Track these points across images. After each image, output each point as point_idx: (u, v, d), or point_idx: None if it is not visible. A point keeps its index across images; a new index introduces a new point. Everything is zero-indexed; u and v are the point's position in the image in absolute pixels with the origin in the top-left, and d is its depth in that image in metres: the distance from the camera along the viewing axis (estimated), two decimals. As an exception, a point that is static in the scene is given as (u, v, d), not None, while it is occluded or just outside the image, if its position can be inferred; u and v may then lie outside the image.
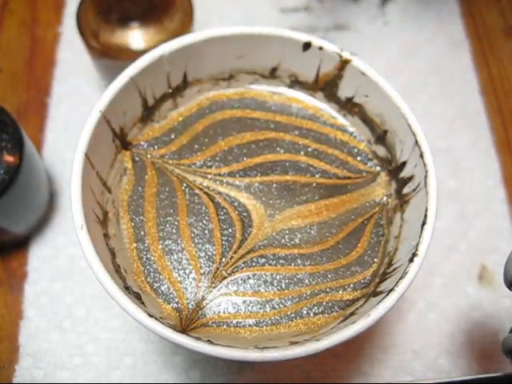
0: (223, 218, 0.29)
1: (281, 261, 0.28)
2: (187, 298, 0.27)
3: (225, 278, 0.28)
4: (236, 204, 0.30)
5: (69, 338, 0.35)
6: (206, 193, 0.30)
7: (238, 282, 0.28)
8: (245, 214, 0.29)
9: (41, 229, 0.39)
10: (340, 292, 0.28)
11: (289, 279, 0.28)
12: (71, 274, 0.37)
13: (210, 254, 0.28)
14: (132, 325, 0.36)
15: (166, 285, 0.28)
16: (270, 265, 0.28)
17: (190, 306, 0.27)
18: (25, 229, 0.37)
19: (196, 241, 0.29)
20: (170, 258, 0.28)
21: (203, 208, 0.29)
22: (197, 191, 0.30)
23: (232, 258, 0.28)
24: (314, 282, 0.28)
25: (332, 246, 0.29)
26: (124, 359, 0.35)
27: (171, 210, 0.29)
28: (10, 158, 0.32)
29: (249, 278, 0.28)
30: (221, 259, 0.28)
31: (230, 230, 0.29)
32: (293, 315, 0.27)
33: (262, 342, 0.26)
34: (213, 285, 0.28)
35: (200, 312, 0.27)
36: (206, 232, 0.29)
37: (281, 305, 0.27)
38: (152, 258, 0.28)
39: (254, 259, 0.28)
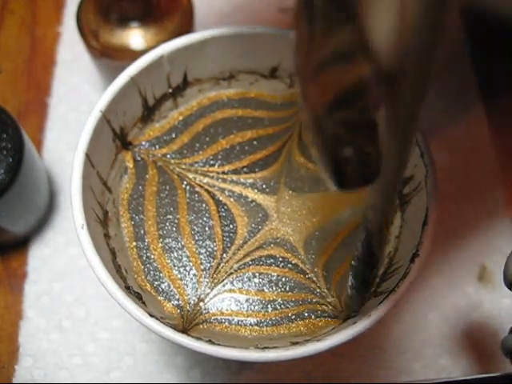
0: (224, 214, 0.29)
1: (289, 265, 0.28)
2: (188, 294, 0.27)
3: (230, 274, 0.28)
4: (243, 201, 0.30)
5: (69, 338, 0.35)
6: (206, 190, 0.30)
7: (243, 280, 0.28)
8: (256, 208, 0.30)
9: (41, 229, 0.38)
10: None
11: (294, 283, 0.28)
12: (71, 274, 0.37)
13: (210, 250, 0.28)
14: (132, 325, 0.36)
15: (166, 283, 0.28)
16: (278, 266, 0.28)
17: (192, 302, 0.27)
18: (24, 229, 0.37)
19: (196, 238, 0.29)
20: (170, 255, 0.28)
21: (203, 205, 0.30)
22: (197, 189, 0.30)
23: (235, 254, 0.28)
24: (318, 291, 0.28)
25: (332, 253, 0.29)
26: (124, 359, 0.35)
27: (171, 208, 0.29)
28: (9, 158, 0.32)
29: (254, 276, 0.28)
30: (222, 255, 0.28)
31: (232, 226, 0.29)
32: (294, 317, 0.27)
33: (262, 341, 0.26)
34: (215, 280, 0.28)
35: (203, 306, 0.27)
36: (207, 229, 0.29)
37: (283, 306, 0.27)
38: (152, 256, 0.28)
39: (263, 258, 0.28)
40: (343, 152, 0.15)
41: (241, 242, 0.29)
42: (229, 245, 0.29)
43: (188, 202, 0.30)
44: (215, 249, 0.29)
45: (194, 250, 0.29)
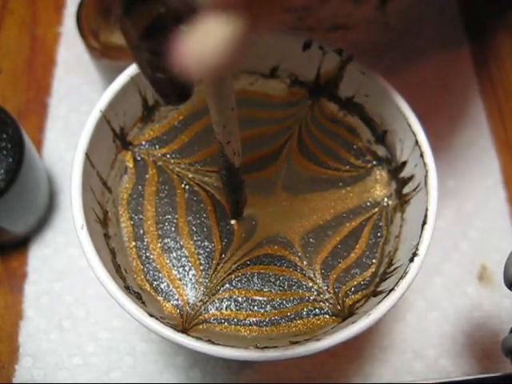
0: (221, 214, 0.29)
1: (286, 263, 0.28)
2: (187, 295, 0.27)
3: (229, 274, 0.28)
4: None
5: (69, 338, 0.35)
6: (204, 190, 0.30)
7: (242, 280, 0.28)
8: (254, 208, 0.29)
9: (41, 229, 0.38)
10: (343, 298, 0.28)
11: (292, 281, 0.28)
12: (71, 274, 0.37)
13: (209, 250, 0.28)
14: (132, 325, 0.36)
15: (165, 283, 0.28)
16: (275, 265, 0.28)
17: (191, 302, 0.27)
18: (24, 229, 0.37)
19: (195, 238, 0.29)
20: (169, 255, 0.28)
21: (202, 205, 0.29)
22: (196, 188, 0.30)
23: (234, 254, 0.28)
24: (316, 288, 0.28)
25: (330, 251, 0.29)
26: (124, 359, 0.35)
27: (170, 208, 0.29)
28: (9, 158, 0.32)
29: (253, 276, 0.28)
30: (221, 255, 0.28)
31: (229, 227, 0.29)
32: (292, 316, 0.27)
33: (262, 341, 0.26)
34: (214, 280, 0.28)
35: (202, 307, 0.27)
36: (205, 229, 0.29)
37: (281, 305, 0.27)
38: (151, 256, 0.28)
39: (261, 257, 0.28)
40: (157, 76, 0.18)
41: (239, 242, 0.29)
42: (227, 245, 0.29)
43: (187, 202, 0.30)
44: (213, 249, 0.29)
45: (193, 250, 0.29)
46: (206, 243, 0.29)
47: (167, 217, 0.29)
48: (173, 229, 0.29)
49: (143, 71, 0.19)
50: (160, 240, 0.29)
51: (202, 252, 0.28)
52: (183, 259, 0.28)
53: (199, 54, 0.14)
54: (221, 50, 0.14)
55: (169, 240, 0.29)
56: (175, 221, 0.29)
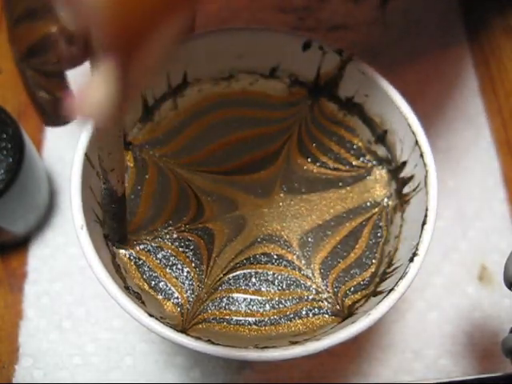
0: (201, 215, 0.29)
1: (284, 262, 0.28)
2: (186, 292, 0.28)
3: (226, 273, 0.28)
4: (230, 204, 0.30)
5: (69, 337, 0.35)
6: (193, 192, 0.30)
7: (240, 279, 0.28)
8: (237, 212, 0.29)
9: (41, 229, 0.38)
10: (342, 298, 0.28)
11: (290, 280, 0.28)
12: (71, 274, 0.37)
13: (193, 247, 0.28)
14: (132, 325, 0.36)
15: (162, 282, 0.28)
16: (273, 264, 0.28)
17: (191, 299, 0.27)
18: (24, 229, 0.37)
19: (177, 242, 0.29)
20: (156, 256, 0.28)
21: (187, 208, 0.29)
22: (188, 191, 0.30)
23: (222, 251, 0.28)
24: (314, 287, 0.28)
25: (330, 251, 0.29)
26: (124, 359, 0.35)
27: (161, 211, 0.29)
28: (9, 158, 0.32)
29: (251, 275, 0.28)
30: (209, 254, 0.28)
31: (209, 226, 0.29)
32: (292, 315, 0.27)
33: (261, 341, 0.26)
34: (211, 277, 0.28)
35: (201, 306, 0.27)
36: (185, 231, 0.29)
37: (280, 305, 0.27)
38: (141, 257, 0.28)
39: (257, 256, 0.28)
40: (39, 94, 0.18)
41: (223, 239, 0.29)
42: (210, 242, 0.29)
43: (176, 204, 0.30)
44: (198, 246, 0.28)
45: (176, 249, 0.28)
46: (187, 242, 0.29)
47: (154, 219, 0.29)
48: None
49: (25, 87, 0.18)
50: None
51: (187, 250, 0.28)
52: (172, 258, 0.28)
53: (92, 105, 0.13)
54: (109, 104, 0.14)
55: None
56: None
